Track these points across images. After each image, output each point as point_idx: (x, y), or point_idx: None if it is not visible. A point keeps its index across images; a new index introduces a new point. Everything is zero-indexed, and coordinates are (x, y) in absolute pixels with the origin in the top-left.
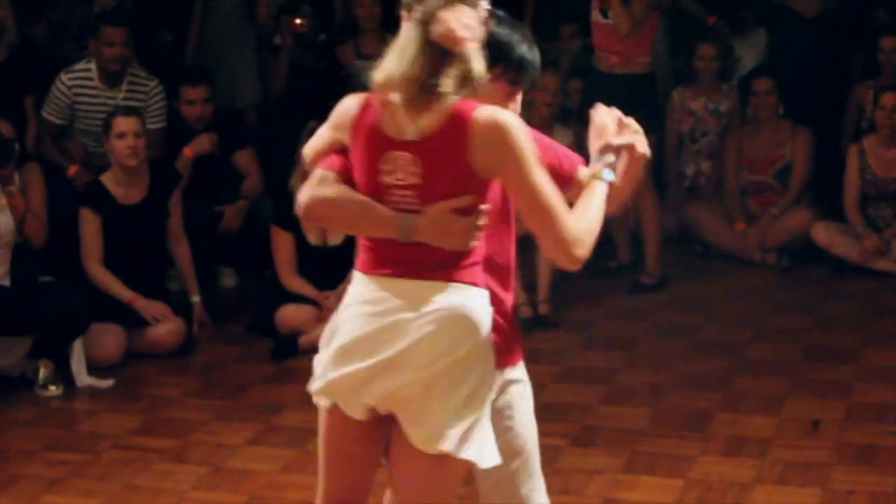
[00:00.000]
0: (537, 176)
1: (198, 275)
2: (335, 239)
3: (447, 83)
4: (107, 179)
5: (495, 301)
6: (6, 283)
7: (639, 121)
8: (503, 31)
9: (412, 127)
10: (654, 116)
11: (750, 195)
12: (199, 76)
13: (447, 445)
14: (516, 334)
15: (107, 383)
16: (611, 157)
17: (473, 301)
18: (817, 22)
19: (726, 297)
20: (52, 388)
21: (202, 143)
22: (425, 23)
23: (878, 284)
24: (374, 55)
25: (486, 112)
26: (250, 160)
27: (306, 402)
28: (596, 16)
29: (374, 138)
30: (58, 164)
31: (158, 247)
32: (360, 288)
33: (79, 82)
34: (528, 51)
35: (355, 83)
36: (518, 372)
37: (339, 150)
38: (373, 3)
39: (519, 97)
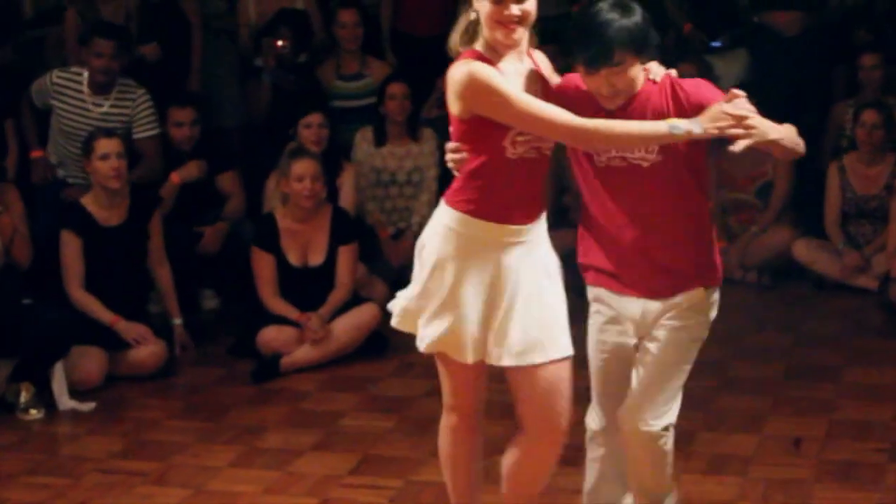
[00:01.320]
0: (517, 103)
1: (179, 297)
2: (316, 258)
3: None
4: (87, 202)
5: None
6: None
7: None
8: None
9: None
10: None
11: (731, 213)
12: (187, 98)
13: None
14: None
15: (89, 406)
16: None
17: None
18: (798, 41)
19: None
20: (34, 411)
21: (191, 171)
22: None
23: (859, 301)
24: (356, 75)
25: (455, 66)
26: (234, 182)
27: (288, 423)
28: None
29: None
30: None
31: (139, 269)
32: None
33: (67, 83)
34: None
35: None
36: None
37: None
38: (354, 24)
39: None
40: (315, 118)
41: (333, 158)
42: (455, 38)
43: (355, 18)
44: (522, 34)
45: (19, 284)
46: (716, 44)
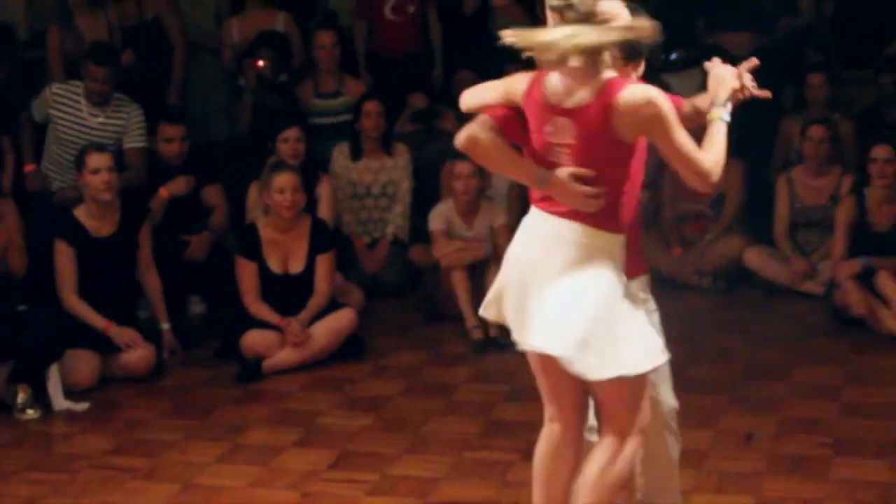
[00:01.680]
0: (679, 135)
1: (167, 303)
2: (296, 266)
3: (601, 61)
4: (80, 213)
5: None
6: None
7: None
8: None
9: (571, 98)
10: None
11: (686, 223)
12: (177, 115)
13: None
14: None
15: (82, 406)
16: (727, 102)
17: None
18: (737, 60)
19: (664, 318)
20: (30, 411)
21: (178, 186)
22: (590, 15)
23: (807, 305)
24: (333, 94)
25: (632, 90)
26: (218, 195)
27: (270, 421)
28: None
29: (542, 106)
30: (23, 148)
31: (129, 276)
32: None
33: (66, 94)
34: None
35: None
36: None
37: (502, 107)
38: (332, 45)
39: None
40: (292, 133)
41: (311, 172)
42: (605, 58)
43: (333, 40)
44: None
45: (15, 291)
46: (673, 56)
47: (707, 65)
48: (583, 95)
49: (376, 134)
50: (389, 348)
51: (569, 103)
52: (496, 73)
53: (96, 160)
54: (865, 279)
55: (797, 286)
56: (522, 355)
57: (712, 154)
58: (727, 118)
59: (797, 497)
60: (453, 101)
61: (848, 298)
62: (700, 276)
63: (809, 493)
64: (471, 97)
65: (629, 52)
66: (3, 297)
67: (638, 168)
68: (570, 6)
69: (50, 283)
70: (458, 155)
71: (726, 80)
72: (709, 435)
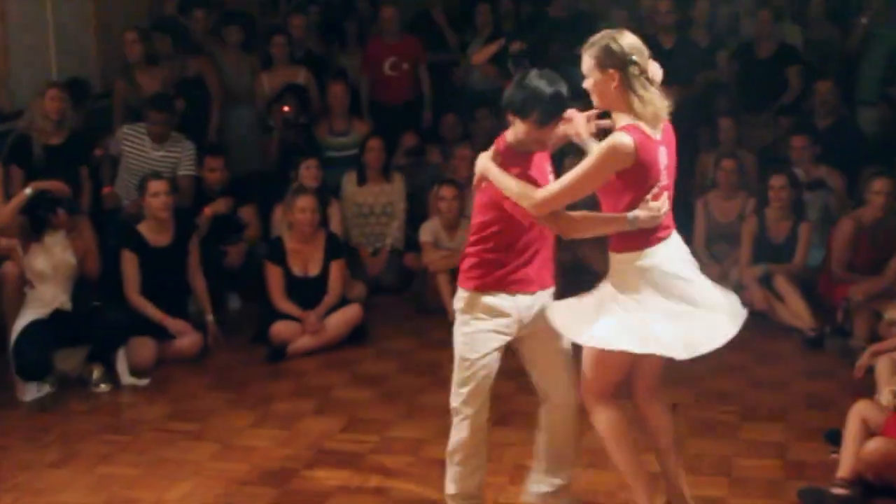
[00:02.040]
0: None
1: (211, 299)
2: (314, 270)
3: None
4: (142, 228)
5: None
6: (68, 307)
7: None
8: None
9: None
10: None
11: None
12: (219, 149)
13: None
14: None
15: (144, 382)
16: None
17: None
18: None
19: None
20: (103, 386)
21: (219, 206)
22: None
23: None
24: (343, 133)
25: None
26: (252, 214)
27: (293, 394)
28: None
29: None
30: (102, 176)
31: (181, 278)
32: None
33: (133, 134)
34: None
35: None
36: None
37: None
38: (343, 94)
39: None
40: (312, 162)
41: (324, 196)
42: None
43: (343, 90)
44: None
45: (91, 291)
46: None
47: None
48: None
49: (378, 165)
50: (388, 335)
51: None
52: (472, 116)
53: (155, 186)
54: (766, 281)
55: None
56: None
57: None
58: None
59: (711, 454)
60: (439, 139)
61: (752, 296)
62: None
63: (721, 451)
64: (562, 198)
65: None
66: (82, 295)
67: None
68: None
69: (118, 284)
70: (443, 181)
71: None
72: None
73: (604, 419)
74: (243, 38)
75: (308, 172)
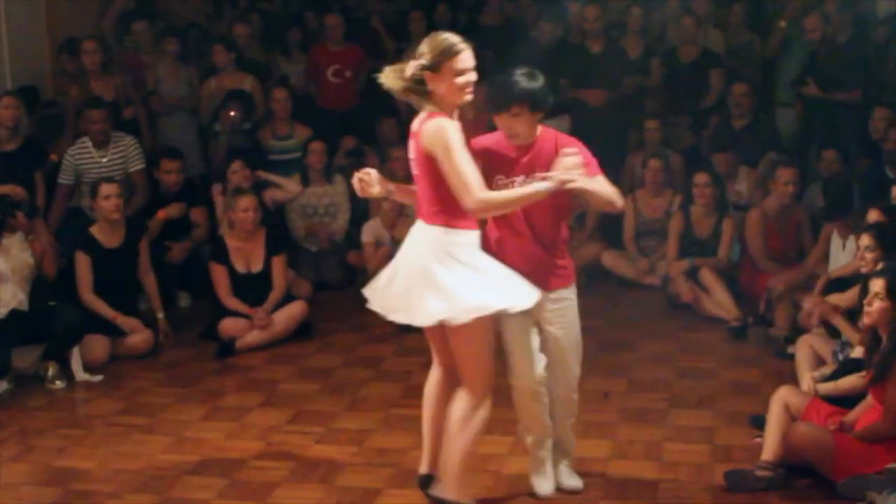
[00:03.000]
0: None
1: (161, 297)
2: (256, 266)
3: None
4: (94, 230)
5: None
6: (24, 307)
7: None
8: None
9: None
10: None
11: None
12: (175, 152)
13: None
14: None
15: (97, 378)
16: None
17: None
18: (601, 110)
19: None
20: (58, 382)
21: (172, 211)
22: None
23: (648, 294)
24: (286, 136)
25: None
26: (202, 215)
27: (241, 388)
28: None
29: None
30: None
31: (132, 278)
32: None
33: (79, 153)
34: None
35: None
36: None
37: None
38: (285, 99)
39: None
40: (237, 165)
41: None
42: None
43: (286, 95)
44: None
45: (47, 291)
46: None
47: (563, 151)
48: None
49: (320, 167)
50: (332, 330)
51: None
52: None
53: (106, 189)
54: (691, 274)
55: (641, 280)
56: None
57: (496, 194)
58: (542, 188)
59: (642, 440)
60: (376, 142)
61: (678, 289)
62: None
63: (651, 436)
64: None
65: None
66: (39, 295)
67: None
68: None
69: (72, 284)
70: None
71: (570, 170)
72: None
73: (485, 414)
74: (180, 50)
75: (235, 176)
